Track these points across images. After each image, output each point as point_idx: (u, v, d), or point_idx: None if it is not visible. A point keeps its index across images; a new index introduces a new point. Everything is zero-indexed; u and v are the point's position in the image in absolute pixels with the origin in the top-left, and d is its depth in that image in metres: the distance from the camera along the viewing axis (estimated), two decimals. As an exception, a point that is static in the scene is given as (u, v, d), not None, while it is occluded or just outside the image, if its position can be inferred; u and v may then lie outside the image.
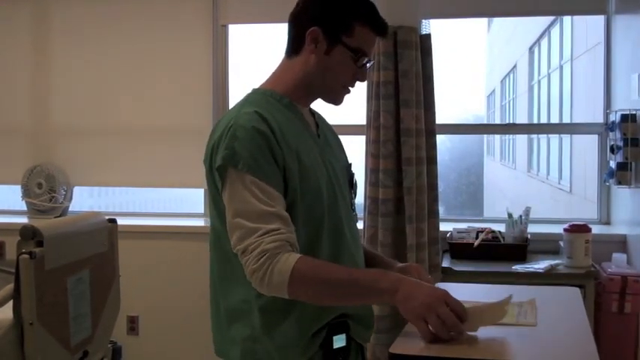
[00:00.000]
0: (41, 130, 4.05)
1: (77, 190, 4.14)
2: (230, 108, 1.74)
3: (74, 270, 2.37)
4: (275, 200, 1.58)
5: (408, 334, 1.63)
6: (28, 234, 2.21)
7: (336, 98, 1.76)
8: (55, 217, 3.81)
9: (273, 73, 1.78)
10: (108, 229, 2.62)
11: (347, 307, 1.71)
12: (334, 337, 1.69)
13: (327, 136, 1.84)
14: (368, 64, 1.73)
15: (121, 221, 2.75)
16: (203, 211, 4.02)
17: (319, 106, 1.84)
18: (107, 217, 2.66)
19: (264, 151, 1.59)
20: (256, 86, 1.78)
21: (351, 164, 1.92)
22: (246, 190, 1.57)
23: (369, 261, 1.89)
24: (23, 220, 3.86)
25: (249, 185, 1.57)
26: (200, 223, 3.92)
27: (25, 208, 4.03)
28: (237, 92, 3.94)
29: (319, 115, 1.89)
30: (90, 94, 3.98)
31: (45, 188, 3.91)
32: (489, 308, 1.63)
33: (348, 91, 1.76)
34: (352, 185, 1.86)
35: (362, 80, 1.74)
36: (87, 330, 2.46)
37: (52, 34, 4.00)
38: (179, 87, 3.89)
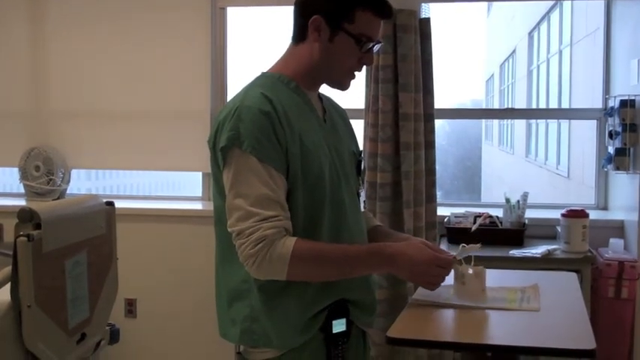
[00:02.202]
0: (39, 112, 4.03)
1: (75, 173, 4.13)
2: (239, 90, 1.74)
3: (72, 252, 2.37)
4: (277, 183, 1.60)
5: (405, 318, 1.64)
6: (26, 216, 2.21)
7: (342, 84, 1.76)
8: (53, 200, 3.80)
9: (281, 58, 1.78)
10: (106, 211, 2.62)
11: (347, 292, 1.72)
12: (334, 322, 1.70)
13: (335, 122, 1.83)
14: (375, 47, 1.72)
15: (118, 204, 2.75)
16: (201, 195, 4.02)
17: (328, 90, 1.83)
18: (105, 200, 2.65)
19: (268, 132, 1.60)
20: (264, 70, 1.78)
21: (361, 151, 1.92)
22: (248, 171, 1.59)
23: (389, 241, 1.89)
24: (21, 202, 3.85)
25: (252, 167, 1.58)
26: (198, 206, 3.91)
27: (22, 190, 4.02)
28: (235, 75, 3.93)
29: (329, 100, 1.88)
30: (88, 76, 3.96)
31: (43, 171, 3.90)
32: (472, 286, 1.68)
33: (354, 76, 1.76)
34: (359, 172, 1.86)
35: (369, 64, 1.75)
36: (85, 312, 2.46)
37: (49, 15, 3.97)
38: (177, 70, 3.87)
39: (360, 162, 1.86)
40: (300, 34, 1.72)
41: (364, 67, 1.77)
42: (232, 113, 1.62)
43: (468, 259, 1.79)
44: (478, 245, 1.76)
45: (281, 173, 1.61)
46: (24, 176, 3.95)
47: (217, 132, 1.64)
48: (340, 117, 1.89)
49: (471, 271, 1.70)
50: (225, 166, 1.62)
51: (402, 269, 1.67)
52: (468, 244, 1.78)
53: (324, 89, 1.83)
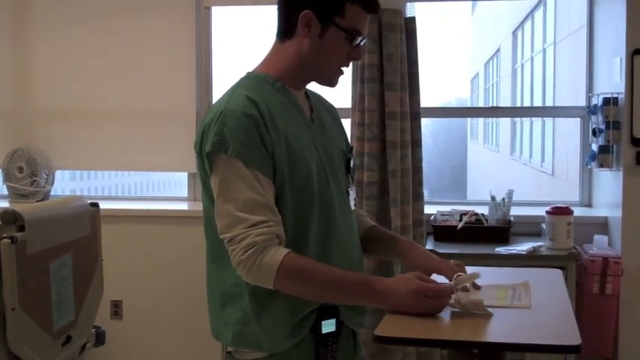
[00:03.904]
0: (22, 112, 3.99)
1: (59, 174, 4.11)
2: (224, 92, 1.72)
3: (56, 254, 2.36)
4: (264, 187, 1.59)
5: (392, 317, 1.64)
6: (10, 218, 2.20)
7: (331, 80, 1.74)
8: (37, 201, 3.78)
9: (266, 57, 1.76)
10: (90, 213, 2.60)
11: None
12: (323, 322, 1.69)
13: (324, 120, 1.81)
14: (362, 43, 1.71)
15: (103, 205, 2.73)
16: (187, 195, 4.01)
17: (317, 87, 1.82)
18: (89, 201, 2.64)
19: (253, 136, 1.59)
20: (250, 70, 1.76)
21: (351, 148, 1.90)
22: (235, 176, 1.58)
23: (390, 246, 1.89)
24: (4, 204, 3.81)
25: (239, 172, 1.58)
26: (184, 206, 3.90)
27: (6, 192, 3.99)
28: (221, 75, 3.92)
29: (317, 98, 1.86)
30: (72, 76, 3.93)
31: (26, 172, 3.87)
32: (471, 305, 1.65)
33: (342, 72, 1.75)
34: (349, 170, 1.84)
35: (357, 59, 1.73)
36: (70, 315, 2.45)
37: (32, 13, 3.94)
38: (162, 69, 3.85)
39: (349, 160, 1.85)
40: (287, 30, 1.69)
41: (351, 63, 1.76)
42: (217, 117, 1.60)
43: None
44: (475, 274, 1.73)
45: (268, 177, 1.60)
46: (7, 177, 3.92)
47: (203, 136, 1.62)
48: (329, 114, 1.87)
49: (465, 300, 1.66)
50: (212, 172, 1.61)
51: (393, 305, 1.61)
52: (465, 273, 1.72)
53: (313, 86, 1.82)
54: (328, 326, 1.71)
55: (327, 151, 1.76)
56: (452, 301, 1.65)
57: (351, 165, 1.86)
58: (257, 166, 1.58)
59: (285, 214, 1.63)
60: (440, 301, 1.61)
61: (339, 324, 1.73)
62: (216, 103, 1.68)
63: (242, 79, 1.74)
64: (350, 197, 1.83)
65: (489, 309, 1.65)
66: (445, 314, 1.65)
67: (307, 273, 1.60)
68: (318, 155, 1.72)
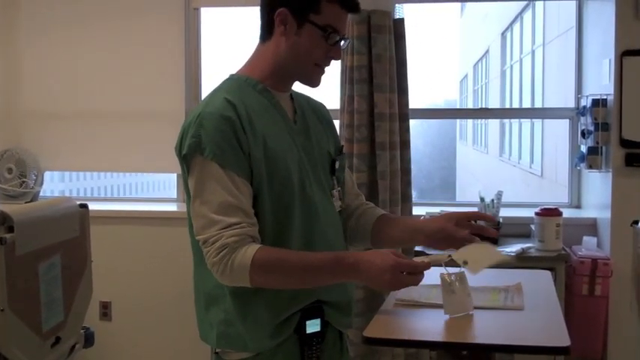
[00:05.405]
0: (11, 113, 3.97)
1: (48, 175, 4.09)
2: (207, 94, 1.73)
3: (46, 255, 2.34)
4: (240, 189, 1.59)
5: (381, 318, 1.64)
6: (-2, 219, 2.18)
7: (311, 79, 1.74)
8: (26, 203, 3.76)
9: (249, 59, 1.76)
10: (79, 214, 2.59)
11: (322, 293, 1.71)
12: (307, 322, 1.69)
13: (308, 122, 1.81)
14: (342, 42, 1.70)
15: (92, 206, 2.72)
16: (176, 196, 4.00)
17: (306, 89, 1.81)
18: (79, 202, 2.63)
19: (229, 138, 1.59)
20: (233, 72, 1.77)
21: (341, 147, 1.89)
22: (211, 178, 1.58)
23: (406, 224, 1.89)
24: (-7, 205, 3.80)
25: (214, 174, 1.58)
26: (173, 208, 3.89)
27: (-6, 193, 3.97)
28: (209, 76, 3.91)
29: (304, 99, 1.86)
30: (61, 77, 3.91)
31: (15, 173, 3.85)
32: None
33: (324, 71, 1.74)
34: (334, 172, 1.83)
35: (336, 58, 1.72)
36: (59, 316, 2.43)
37: (22, 14, 3.92)
38: (151, 71, 3.84)
39: (334, 161, 1.84)
40: (266, 30, 1.70)
41: (333, 63, 1.74)
42: (195, 120, 1.61)
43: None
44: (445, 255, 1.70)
45: (244, 179, 1.60)
46: (-4, 179, 3.90)
47: (182, 139, 1.63)
48: (317, 115, 1.87)
49: (453, 277, 1.66)
50: (189, 174, 1.62)
51: (368, 278, 1.61)
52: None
53: (303, 88, 1.81)
54: (312, 326, 1.71)
55: (309, 152, 1.75)
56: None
57: (336, 166, 1.84)
58: (233, 168, 1.58)
59: (264, 216, 1.63)
60: (415, 277, 1.61)
61: (324, 324, 1.73)
62: (197, 106, 1.69)
63: (224, 82, 1.74)
64: (335, 198, 1.82)
65: (483, 310, 1.66)
66: (434, 315, 1.65)
67: (279, 263, 1.60)
68: (300, 156, 1.71)
